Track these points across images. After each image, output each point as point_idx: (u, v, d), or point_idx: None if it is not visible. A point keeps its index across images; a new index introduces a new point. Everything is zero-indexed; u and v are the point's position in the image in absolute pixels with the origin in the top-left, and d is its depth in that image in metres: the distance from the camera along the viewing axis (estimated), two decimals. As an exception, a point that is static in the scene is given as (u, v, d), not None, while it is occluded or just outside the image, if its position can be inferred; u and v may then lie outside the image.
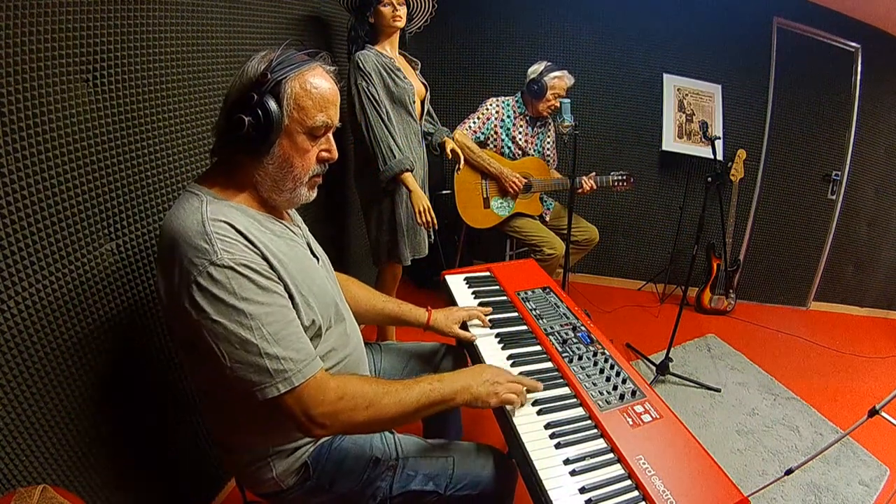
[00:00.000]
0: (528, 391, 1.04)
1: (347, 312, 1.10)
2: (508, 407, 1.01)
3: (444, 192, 2.58)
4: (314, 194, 0.95)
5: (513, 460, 1.09)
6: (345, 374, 0.95)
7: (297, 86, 0.83)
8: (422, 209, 1.88)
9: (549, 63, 2.43)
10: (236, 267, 0.78)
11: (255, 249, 0.83)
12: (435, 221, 1.93)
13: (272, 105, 0.81)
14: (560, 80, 2.40)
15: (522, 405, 1.02)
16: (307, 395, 0.82)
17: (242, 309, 0.77)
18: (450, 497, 1.04)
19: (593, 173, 2.47)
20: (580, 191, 2.44)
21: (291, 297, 0.87)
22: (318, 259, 1.04)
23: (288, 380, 0.80)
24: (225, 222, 0.81)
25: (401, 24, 1.86)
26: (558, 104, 2.40)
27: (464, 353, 1.35)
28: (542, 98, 2.42)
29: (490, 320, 1.34)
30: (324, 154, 0.91)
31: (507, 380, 1.02)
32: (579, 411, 1.03)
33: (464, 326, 1.33)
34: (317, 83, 0.85)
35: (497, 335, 1.28)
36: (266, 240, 0.86)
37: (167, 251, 0.81)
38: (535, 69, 2.43)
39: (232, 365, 0.78)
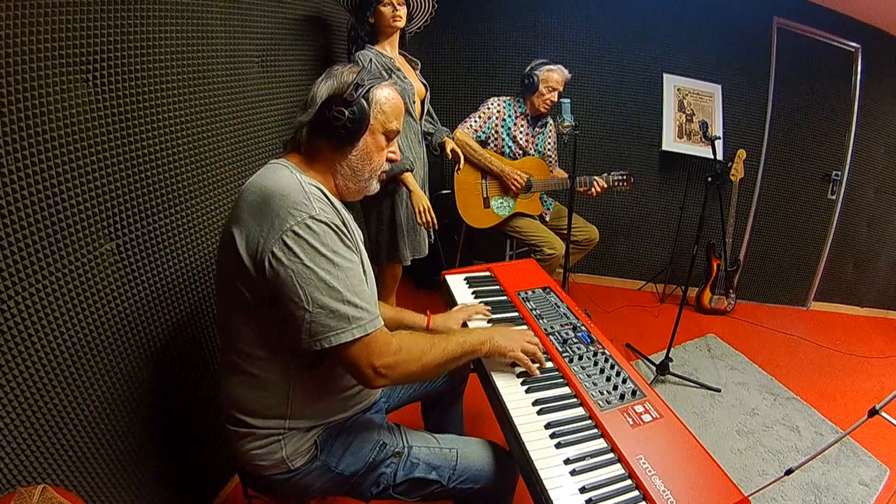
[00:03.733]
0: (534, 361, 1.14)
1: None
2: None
3: (445, 191, 2.59)
4: (378, 187, 1.10)
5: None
6: (398, 331, 1.00)
7: (380, 94, 0.99)
8: (422, 209, 1.88)
9: (544, 60, 2.43)
10: (330, 225, 0.89)
11: (342, 222, 0.93)
12: (435, 221, 1.93)
13: (365, 105, 0.96)
14: (552, 72, 2.39)
15: (533, 373, 1.12)
16: (375, 345, 0.90)
17: (332, 259, 0.87)
18: (452, 489, 1.07)
19: (604, 174, 2.47)
20: (590, 192, 2.44)
21: (364, 271, 0.97)
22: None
23: (362, 327, 0.88)
24: (318, 188, 0.94)
25: (401, 24, 1.86)
26: (554, 98, 2.40)
27: None
28: (535, 92, 2.42)
29: (490, 320, 1.35)
30: (391, 155, 1.07)
31: (526, 340, 1.13)
32: (579, 411, 1.03)
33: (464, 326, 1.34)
34: (393, 95, 1.02)
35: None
36: (347, 218, 0.98)
37: (258, 204, 0.89)
38: (530, 65, 2.44)
39: (313, 310, 0.85)
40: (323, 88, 0.97)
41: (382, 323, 0.93)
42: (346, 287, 0.87)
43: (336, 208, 0.95)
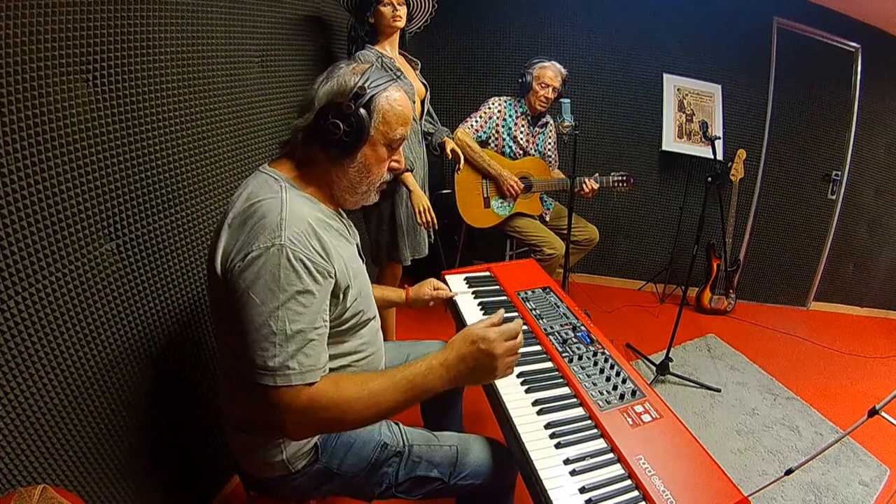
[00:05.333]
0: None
1: (376, 310, 1.14)
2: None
3: (445, 191, 2.59)
4: (377, 198, 1.03)
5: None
6: (332, 376, 0.89)
7: (384, 102, 0.91)
8: (422, 209, 1.88)
9: (540, 58, 2.43)
10: (293, 259, 0.82)
11: (321, 249, 0.87)
12: (435, 221, 1.93)
13: (365, 116, 0.89)
14: (545, 69, 2.39)
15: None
16: (294, 397, 0.82)
17: (279, 297, 0.81)
18: (453, 486, 1.07)
19: (596, 174, 2.47)
20: (582, 193, 2.44)
21: (349, 289, 0.94)
22: (363, 260, 1.10)
23: (286, 377, 0.81)
24: (301, 214, 0.87)
25: (401, 24, 1.86)
26: (549, 94, 2.39)
27: None
28: (529, 90, 2.42)
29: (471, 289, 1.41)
30: (394, 164, 1.00)
31: (505, 364, 0.88)
32: (579, 411, 1.03)
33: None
34: (401, 101, 0.94)
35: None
36: (332, 237, 0.92)
37: (241, 220, 0.86)
38: (526, 65, 2.44)
39: (245, 338, 0.81)
40: (322, 91, 0.90)
41: (314, 378, 0.83)
42: (282, 330, 0.80)
43: (317, 235, 0.87)
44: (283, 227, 0.83)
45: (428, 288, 1.43)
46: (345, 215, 1.08)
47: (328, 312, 0.90)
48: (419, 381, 0.85)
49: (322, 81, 0.92)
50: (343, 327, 0.98)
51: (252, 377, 0.82)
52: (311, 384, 0.83)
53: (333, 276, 0.89)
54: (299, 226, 0.85)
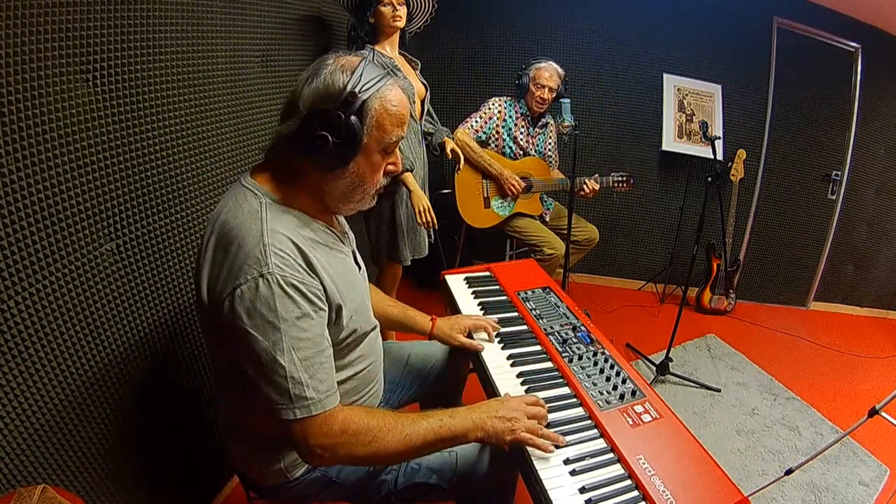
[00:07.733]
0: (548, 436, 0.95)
1: (374, 319, 1.10)
2: (532, 450, 0.92)
3: (445, 191, 2.59)
4: (375, 202, 0.96)
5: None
6: (353, 407, 0.91)
7: (378, 105, 0.82)
8: (422, 209, 1.88)
9: (538, 58, 2.43)
10: (284, 286, 0.77)
11: (309, 270, 0.83)
12: (435, 221, 1.93)
13: (356, 124, 0.80)
14: (541, 70, 2.39)
15: (547, 451, 0.91)
16: (315, 426, 0.81)
17: (280, 328, 0.77)
18: (453, 492, 1.06)
19: (595, 175, 2.47)
20: (583, 193, 2.44)
21: (342, 309, 0.88)
22: (360, 268, 1.05)
23: (306, 408, 0.80)
24: (284, 235, 0.81)
25: (401, 24, 1.86)
26: (545, 95, 2.39)
27: (460, 352, 1.31)
28: (527, 91, 2.42)
29: (498, 334, 1.29)
30: (390, 167, 0.92)
31: (527, 414, 0.94)
32: (579, 411, 1.03)
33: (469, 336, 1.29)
34: (396, 101, 0.85)
35: (497, 335, 1.28)
36: (320, 254, 0.87)
37: (220, 246, 0.81)
38: (523, 65, 2.44)
39: (254, 374, 0.78)
40: (307, 92, 0.80)
41: (334, 402, 0.83)
42: (291, 361, 0.77)
43: (304, 257, 0.82)
44: (268, 254, 0.77)
45: (459, 333, 1.27)
46: (337, 222, 1.03)
47: (328, 333, 0.87)
48: (447, 420, 0.90)
49: (307, 79, 0.81)
50: (340, 346, 0.94)
51: (269, 410, 0.80)
52: (329, 410, 0.82)
53: (325, 296, 0.85)
54: (283, 248, 0.80)
